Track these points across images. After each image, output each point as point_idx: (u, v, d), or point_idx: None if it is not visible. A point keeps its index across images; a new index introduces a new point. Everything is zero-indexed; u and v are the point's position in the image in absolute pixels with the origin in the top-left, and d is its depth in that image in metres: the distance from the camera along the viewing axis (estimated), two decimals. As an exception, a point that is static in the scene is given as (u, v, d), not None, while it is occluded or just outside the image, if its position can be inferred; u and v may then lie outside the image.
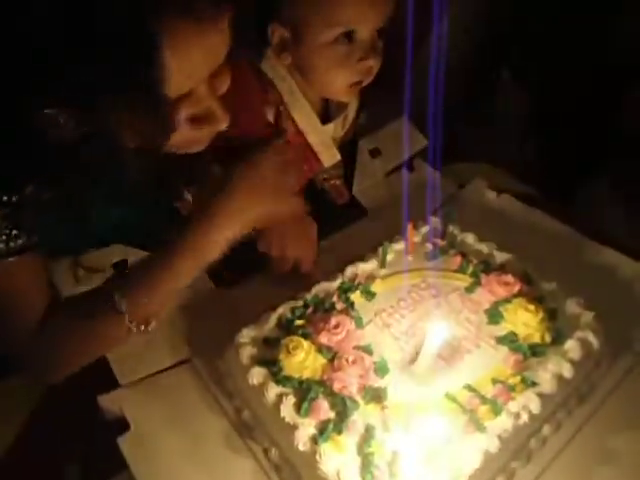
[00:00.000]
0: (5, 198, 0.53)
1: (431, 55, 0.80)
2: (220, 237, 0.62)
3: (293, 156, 0.73)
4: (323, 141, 0.84)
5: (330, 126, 0.85)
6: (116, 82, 0.46)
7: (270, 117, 0.80)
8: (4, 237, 0.54)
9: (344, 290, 0.72)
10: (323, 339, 0.64)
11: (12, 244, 0.55)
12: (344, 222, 0.92)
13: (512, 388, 0.60)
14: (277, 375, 0.61)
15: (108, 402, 0.65)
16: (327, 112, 0.86)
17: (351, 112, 0.89)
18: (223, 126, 0.58)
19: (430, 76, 0.77)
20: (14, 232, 0.55)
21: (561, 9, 1.30)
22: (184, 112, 0.54)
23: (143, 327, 0.61)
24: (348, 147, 1.00)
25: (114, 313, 0.59)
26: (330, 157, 0.86)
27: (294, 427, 0.56)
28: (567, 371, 0.62)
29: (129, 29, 0.45)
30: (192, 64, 0.51)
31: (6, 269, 0.56)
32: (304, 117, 0.81)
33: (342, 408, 0.57)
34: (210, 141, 0.61)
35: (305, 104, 0.80)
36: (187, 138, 0.57)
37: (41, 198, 0.55)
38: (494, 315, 0.68)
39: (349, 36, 0.71)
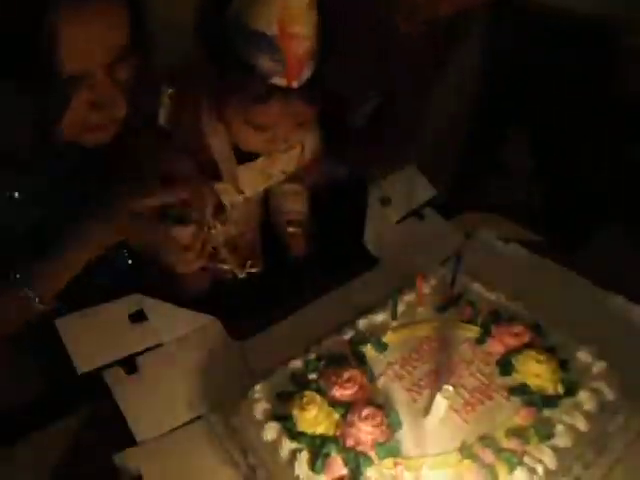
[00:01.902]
0: None
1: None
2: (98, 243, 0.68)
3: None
4: (227, 156, 0.81)
5: (256, 163, 0.82)
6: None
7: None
8: None
9: (356, 343, 0.73)
10: (336, 394, 0.64)
11: None
12: (355, 271, 0.93)
13: (527, 441, 0.60)
14: (291, 431, 0.61)
15: (125, 460, 0.65)
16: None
17: (308, 147, 0.87)
18: (121, 113, 0.62)
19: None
20: None
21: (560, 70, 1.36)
22: (83, 95, 0.59)
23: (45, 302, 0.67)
24: (356, 196, 1.03)
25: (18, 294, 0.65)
26: (231, 176, 0.82)
27: (308, 484, 0.57)
28: (581, 423, 0.61)
29: None
30: (81, 43, 0.55)
31: None
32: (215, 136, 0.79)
33: (356, 464, 0.58)
34: (113, 131, 0.64)
35: (226, 145, 0.79)
36: (87, 122, 0.62)
37: None
38: (505, 366, 0.68)
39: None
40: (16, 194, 0.70)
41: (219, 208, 0.79)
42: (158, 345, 0.79)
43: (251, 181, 0.85)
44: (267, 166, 0.85)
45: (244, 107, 0.73)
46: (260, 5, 0.67)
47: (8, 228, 0.71)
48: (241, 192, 0.85)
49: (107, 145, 0.67)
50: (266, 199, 0.97)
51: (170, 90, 0.72)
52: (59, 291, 0.69)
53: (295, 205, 0.94)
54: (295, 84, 0.71)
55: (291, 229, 0.93)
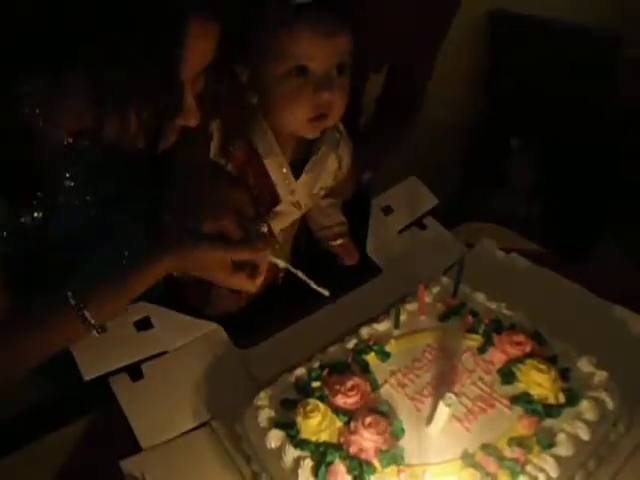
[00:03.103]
0: None
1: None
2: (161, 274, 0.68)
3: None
4: (283, 177, 0.81)
5: (302, 179, 0.82)
6: (147, 52, 0.54)
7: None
8: None
9: (359, 352, 0.73)
10: (339, 401, 0.65)
11: None
12: (358, 281, 0.93)
13: (529, 450, 0.60)
14: (294, 438, 0.62)
15: (130, 466, 0.66)
16: (304, 159, 0.83)
17: (344, 163, 0.88)
18: (193, 123, 0.65)
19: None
20: None
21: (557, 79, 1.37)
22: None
23: (99, 328, 0.66)
24: (359, 206, 1.04)
25: (76, 315, 0.64)
26: (288, 194, 0.82)
27: (312, 492, 0.57)
28: (583, 432, 0.62)
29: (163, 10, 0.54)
30: (196, 55, 0.60)
31: None
32: (271, 155, 0.79)
33: (359, 472, 0.58)
34: (174, 137, 0.66)
35: (274, 145, 0.78)
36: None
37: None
38: (507, 375, 0.69)
39: (303, 70, 0.71)
40: (87, 197, 0.72)
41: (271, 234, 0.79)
42: (163, 352, 0.80)
43: (302, 199, 0.85)
44: (312, 179, 0.85)
45: (275, 45, 0.70)
46: None
47: (69, 243, 0.72)
48: (299, 207, 0.85)
49: (161, 155, 0.67)
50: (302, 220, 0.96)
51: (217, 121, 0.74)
52: (114, 317, 0.69)
53: (335, 218, 0.94)
54: None
55: (338, 241, 0.93)
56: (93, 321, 0.65)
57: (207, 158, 0.77)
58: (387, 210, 1.03)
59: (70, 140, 0.66)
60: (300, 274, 0.71)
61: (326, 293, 0.70)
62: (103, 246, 0.77)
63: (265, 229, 0.72)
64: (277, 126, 0.79)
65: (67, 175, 0.69)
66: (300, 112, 0.74)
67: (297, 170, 0.83)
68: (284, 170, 0.81)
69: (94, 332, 0.65)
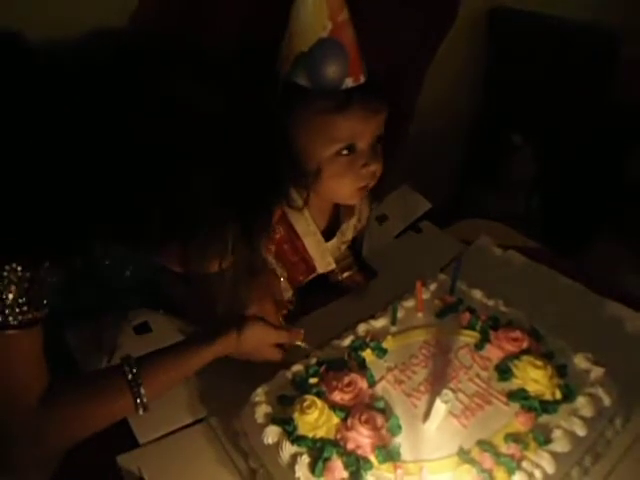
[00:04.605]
0: (20, 272, 0.54)
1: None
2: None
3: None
4: (321, 252, 0.87)
5: (333, 242, 0.89)
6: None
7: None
8: (16, 309, 0.54)
9: (355, 348, 0.73)
10: (336, 398, 0.65)
11: (20, 317, 0.55)
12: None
13: (525, 446, 0.60)
14: (292, 434, 0.62)
15: (127, 462, 0.66)
16: (335, 224, 0.89)
17: (364, 214, 0.94)
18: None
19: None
20: (24, 306, 0.55)
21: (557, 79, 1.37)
22: None
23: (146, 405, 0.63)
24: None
25: (127, 392, 0.62)
26: (325, 265, 0.89)
27: (309, 487, 0.57)
28: (580, 428, 0.62)
29: None
30: None
31: (11, 341, 0.56)
32: (303, 225, 0.84)
33: (356, 468, 0.58)
34: None
35: (306, 213, 0.83)
36: None
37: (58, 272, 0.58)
38: (504, 371, 0.69)
39: (350, 148, 0.76)
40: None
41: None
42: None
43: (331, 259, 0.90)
44: (340, 240, 0.90)
45: (327, 127, 0.74)
46: (306, 18, 0.70)
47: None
48: (331, 266, 0.90)
49: None
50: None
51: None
52: (162, 396, 0.67)
53: (343, 253, 0.96)
54: (362, 77, 0.73)
55: (346, 274, 0.96)
56: (146, 399, 0.62)
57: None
58: (382, 219, 1.06)
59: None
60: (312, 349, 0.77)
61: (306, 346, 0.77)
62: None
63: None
64: (319, 201, 0.83)
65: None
66: (351, 185, 0.79)
67: (326, 233, 0.88)
68: (321, 246, 0.87)
69: (141, 410, 0.63)
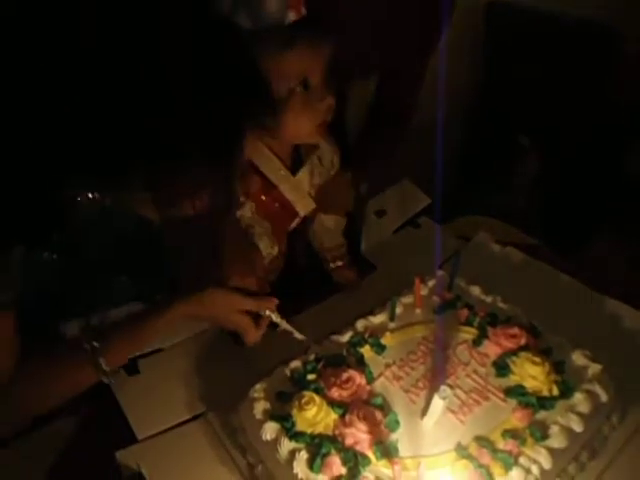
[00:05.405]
0: None
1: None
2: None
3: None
4: (296, 191, 0.87)
5: (301, 175, 0.87)
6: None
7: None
8: None
9: (354, 344, 0.73)
10: (334, 394, 0.65)
11: None
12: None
13: (522, 442, 0.61)
14: (290, 430, 0.62)
15: (126, 457, 0.66)
16: (298, 163, 0.89)
17: (325, 158, 0.92)
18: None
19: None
20: None
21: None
22: None
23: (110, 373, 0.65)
24: (353, 213, 1.04)
25: (87, 362, 0.64)
26: (305, 206, 0.88)
27: (307, 483, 0.58)
28: (576, 425, 0.62)
29: None
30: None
31: None
32: (273, 171, 0.84)
33: (354, 464, 0.58)
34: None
35: (273, 158, 0.84)
36: None
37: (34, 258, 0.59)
38: (502, 368, 0.69)
39: (306, 84, 0.76)
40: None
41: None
42: (159, 350, 0.80)
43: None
44: (310, 182, 0.89)
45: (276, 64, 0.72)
46: None
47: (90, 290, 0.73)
48: (311, 205, 0.89)
49: None
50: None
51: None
52: (122, 365, 0.69)
53: (335, 239, 0.95)
54: (304, 10, 0.72)
55: (338, 263, 0.95)
56: (107, 368, 0.64)
57: (237, 221, 0.82)
58: (380, 213, 1.05)
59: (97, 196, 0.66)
60: (284, 324, 0.77)
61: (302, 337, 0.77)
62: (119, 290, 0.78)
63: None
64: (280, 145, 0.83)
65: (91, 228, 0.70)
66: (310, 121, 0.79)
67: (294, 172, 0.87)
68: (297, 188, 0.86)
69: (105, 379, 0.65)
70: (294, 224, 0.90)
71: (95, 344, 0.64)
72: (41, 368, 0.64)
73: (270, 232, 0.85)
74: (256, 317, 0.75)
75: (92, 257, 0.72)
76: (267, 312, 0.75)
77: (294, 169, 0.86)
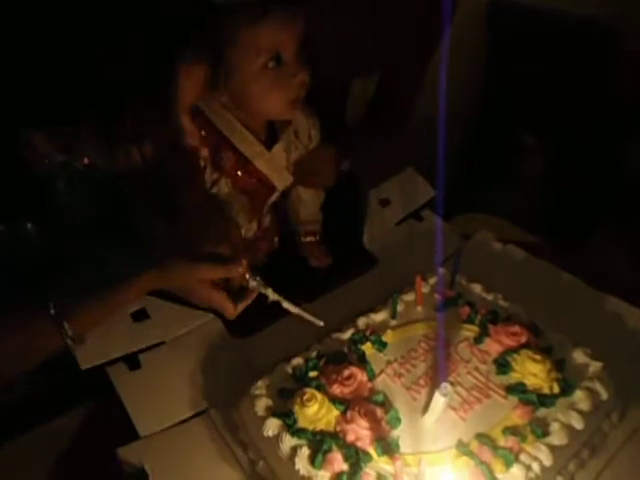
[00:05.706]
0: None
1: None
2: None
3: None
4: (272, 166, 0.86)
5: (276, 150, 0.86)
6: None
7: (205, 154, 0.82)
8: None
9: (355, 341, 0.74)
10: (336, 391, 0.66)
11: None
12: (355, 272, 0.94)
13: (523, 439, 0.61)
14: (292, 427, 0.62)
15: (128, 454, 0.66)
16: (273, 138, 0.87)
17: (302, 132, 0.90)
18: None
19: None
20: None
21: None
22: None
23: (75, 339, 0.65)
24: (353, 199, 1.03)
25: (54, 324, 0.63)
26: (282, 180, 0.87)
27: (308, 479, 0.58)
28: (577, 422, 0.63)
29: None
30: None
31: None
32: (248, 146, 0.83)
33: (355, 460, 0.59)
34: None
35: (247, 134, 0.82)
36: None
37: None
38: (503, 365, 0.69)
39: (278, 60, 0.76)
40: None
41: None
42: (160, 343, 0.80)
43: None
44: (282, 152, 0.88)
45: (249, 37, 0.73)
46: None
47: (51, 255, 0.72)
48: (289, 180, 0.88)
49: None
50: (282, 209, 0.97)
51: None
52: (90, 330, 0.68)
53: (311, 213, 0.95)
54: None
55: (308, 238, 0.94)
56: (70, 332, 0.63)
57: (206, 191, 0.81)
58: (384, 202, 1.03)
59: (65, 158, 0.66)
60: (291, 306, 0.74)
61: (321, 324, 0.73)
62: (91, 261, 0.77)
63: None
64: (253, 120, 0.82)
65: (63, 191, 0.69)
66: (283, 97, 0.79)
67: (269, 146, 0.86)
68: (273, 163, 0.85)
69: (70, 343, 0.64)
70: (274, 198, 0.89)
71: (59, 308, 0.63)
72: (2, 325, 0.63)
73: (248, 207, 0.84)
74: (241, 290, 0.72)
75: (75, 223, 0.72)
76: (247, 277, 0.71)
77: (270, 143, 0.85)
